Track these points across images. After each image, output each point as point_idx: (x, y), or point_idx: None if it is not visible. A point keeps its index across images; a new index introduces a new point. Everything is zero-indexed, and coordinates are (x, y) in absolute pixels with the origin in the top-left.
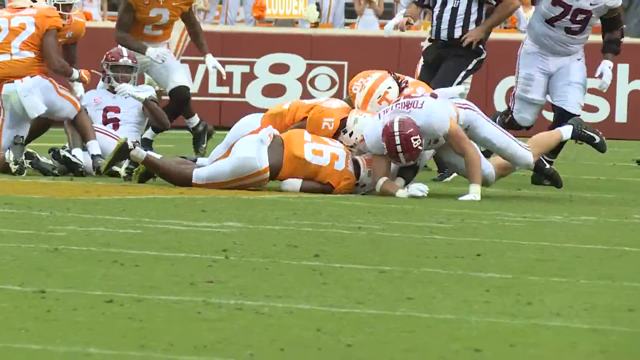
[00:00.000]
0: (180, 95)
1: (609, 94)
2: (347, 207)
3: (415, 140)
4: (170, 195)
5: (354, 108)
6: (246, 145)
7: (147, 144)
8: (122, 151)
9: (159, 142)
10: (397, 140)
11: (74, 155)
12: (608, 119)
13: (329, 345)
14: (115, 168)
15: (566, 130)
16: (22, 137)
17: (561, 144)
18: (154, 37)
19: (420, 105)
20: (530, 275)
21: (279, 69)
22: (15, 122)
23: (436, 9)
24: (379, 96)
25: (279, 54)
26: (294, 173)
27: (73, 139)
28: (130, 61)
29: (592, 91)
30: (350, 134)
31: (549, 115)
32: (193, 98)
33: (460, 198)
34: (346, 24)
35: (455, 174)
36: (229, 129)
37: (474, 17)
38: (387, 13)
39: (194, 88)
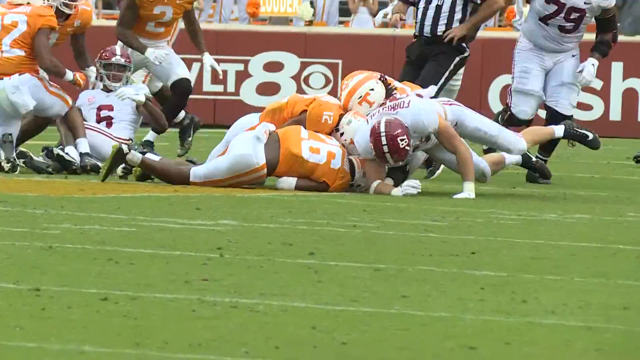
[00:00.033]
0: (182, 88)
1: (603, 92)
2: (342, 205)
3: (402, 140)
4: (165, 194)
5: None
6: (242, 143)
7: (148, 145)
8: (118, 157)
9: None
10: (384, 140)
11: (67, 154)
12: (602, 117)
13: (324, 343)
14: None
15: (558, 129)
16: (10, 134)
17: (554, 142)
18: (157, 34)
19: (407, 104)
20: (524, 273)
21: (274, 67)
22: (4, 120)
23: (421, 6)
24: (360, 97)
25: (273, 52)
26: (290, 170)
27: (66, 138)
28: (122, 60)
29: (587, 89)
30: (342, 134)
31: (542, 114)
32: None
33: (455, 196)
34: (340, 22)
35: (443, 166)
36: (223, 127)
37: (458, 15)
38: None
39: None
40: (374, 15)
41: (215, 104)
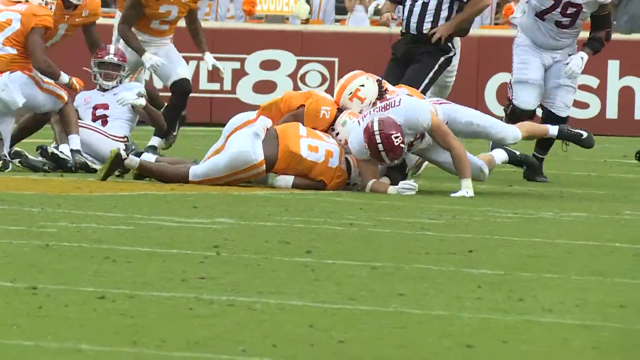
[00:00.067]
0: (182, 88)
1: (600, 91)
2: (339, 203)
3: (396, 138)
4: (161, 192)
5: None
6: (240, 139)
7: (152, 150)
8: (116, 162)
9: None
10: (378, 139)
11: (61, 152)
12: (599, 115)
13: (321, 341)
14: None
15: (553, 128)
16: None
17: (550, 141)
18: (162, 32)
19: (398, 103)
20: (522, 271)
21: (270, 65)
22: None
23: (407, 3)
24: (350, 92)
25: (269, 51)
26: (289, 168)
27: (60, 137)
28: (115, 59)
29: (583, 88)
30: (337, 134)
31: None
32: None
33: (452, 195)
34: (337, 21)
35: (426, 163)
36: (219, 125)
37: (444, 13)
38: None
39: None
40: None
41: (211, 102)
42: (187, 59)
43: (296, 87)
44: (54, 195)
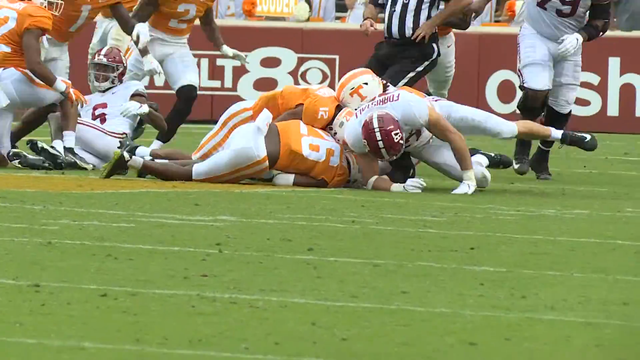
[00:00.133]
0: (189, 94)
1: (601, 88)
2: (341, 200)
3: (396, 134)
4: (163, 189)
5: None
6: (243, 135)
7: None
8: (120, 163)
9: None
10: (378, 136)
11: (52, 147)
12: (600, 112)
13: (323, 339)
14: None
15: (557, 132)
16: None
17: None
18: (180, 31)
19: (396, 98)
20: (524, 268)
21: (270, 62)
22: None
23: (387, 6)
24: (352, 88)
25: (270, 48)
26: (290, 166)
27: (55, 134)
28: (105, 59)
29: (584, 85)
30: (335, 134)
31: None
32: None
33: (454, 191)
34: (337, 18)
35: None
36: None
37: (424, 14)
38: None
39: None
40: None
41: (212, 99)
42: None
43: (297, 85)
44: (55, 192)
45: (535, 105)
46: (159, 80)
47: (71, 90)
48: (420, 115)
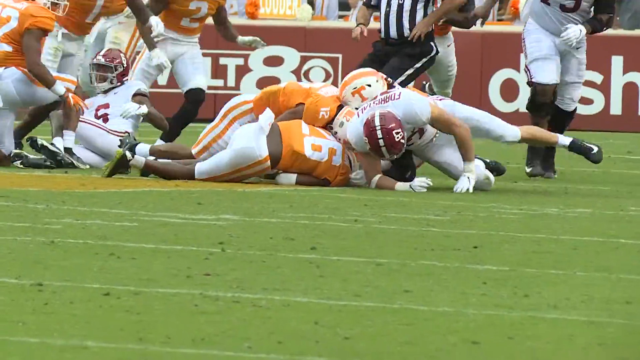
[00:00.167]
0: (197, 97)
1: (604, 87)
2: (344, 199)
3: (397, 134)
4: (166, 188)
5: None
6: (245, 135)
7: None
8: (122, 162)
9: (152, 135)
10: (379, 134)
11: (51, 144)
12: (603, 111)
13: (326, 338)
14: None
15: (565, 139)
16: None
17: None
18: (192, 30)
19: (397, 96)
20: (526, 267)
21: (273, 61)
22: None
23: (383, 7)
24: (355, 87)
25: (273, 47)
26: (293, 166)
27: (56, 131)
28: (103, 60)
29: (587, 84)
30: (335, 133)
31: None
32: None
33: (455, 187)
34: (340, 17)
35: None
36: None
37: (420, 14)
38: None
39: None
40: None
41: (215, 98)
42: None
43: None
44: (58, 191)
45: (544, 99)
46: (162, 79)
47: (70, 95)
48: (422, 113)
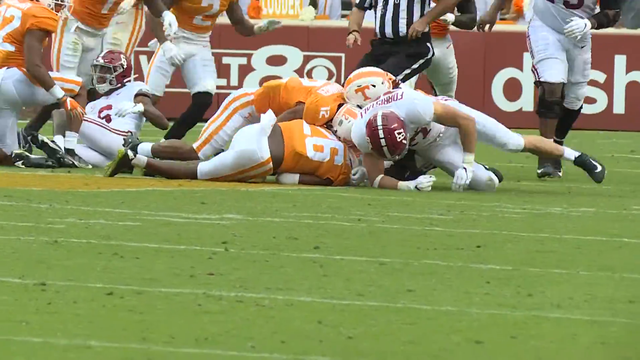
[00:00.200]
0: (204, 101)
1: (607, 86)
2: (347, 199)
3: (399, 134)
4: (169, 188)
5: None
6: (247, 137)
7: None
8: (124, 162)
9: (154, 134)
10: (381, 134)
11: (52, 141)
12: (606, 110)
13: (330, 337)
14: None
15: (571, 152)
16: None
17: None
18: (205, 28)
19: (400, 96)
20: (530, 266)
21: (276, 60)
22: None
23: (379, 8)
24: (359, 85)
25: (276, 46)
26: (295, 168)
27: (58, 128)
28: (102, 61)
29: (590, 83)
30: (335, 131)
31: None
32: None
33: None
34: (343, 16)
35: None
36: None
37: (417, 13)
38: None
39: None
40: None
41: (218, 97)
42: None
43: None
44: (62, 191)
45: (553, 98)
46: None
47: (68, 99)
48: (424, 112)
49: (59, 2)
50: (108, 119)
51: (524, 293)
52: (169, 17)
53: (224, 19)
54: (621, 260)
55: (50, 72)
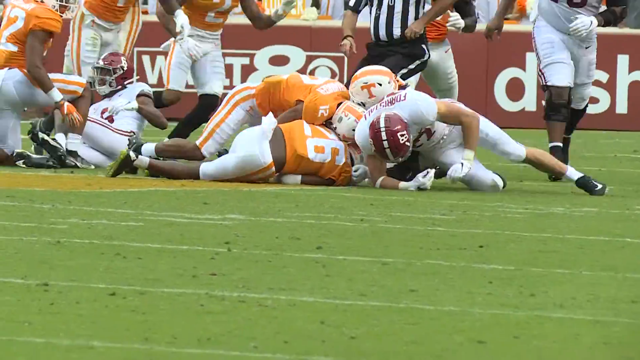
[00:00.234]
0: (210, 102)
1: (609, 85)
2: (349, 199)
3: (402, 136)
4: (172, 188)
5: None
6: (248, 141)
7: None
8: (126, 162)
9: (154, 134)
10: (384, 136)
11: (53, 139)
12: (609, 110)
13: (332, 337)
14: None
15: (574, 173)
16: None
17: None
18: (217, 25)
19: (403, 97)
20: (532, 266)
21: (279, 60)
22: None
23: (373, 11)
24: (365, 82)
25: (278, 46)
26: (297, 170)
27: (59, 126)
28: (102, 63)
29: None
30: (334, 128)
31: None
32: (194, 90)
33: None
34: None
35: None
36: None
37: (411, 15)
38: None
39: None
40: None
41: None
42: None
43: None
44: (64, 191)
45: (560, 100)
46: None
47: (65, 104)
48: (428, 113)
49: (64, 3)
50: (110, 119)
51: (527, 293)
52: (181, 20)
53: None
54: (624, 260)
55: (52, 74)
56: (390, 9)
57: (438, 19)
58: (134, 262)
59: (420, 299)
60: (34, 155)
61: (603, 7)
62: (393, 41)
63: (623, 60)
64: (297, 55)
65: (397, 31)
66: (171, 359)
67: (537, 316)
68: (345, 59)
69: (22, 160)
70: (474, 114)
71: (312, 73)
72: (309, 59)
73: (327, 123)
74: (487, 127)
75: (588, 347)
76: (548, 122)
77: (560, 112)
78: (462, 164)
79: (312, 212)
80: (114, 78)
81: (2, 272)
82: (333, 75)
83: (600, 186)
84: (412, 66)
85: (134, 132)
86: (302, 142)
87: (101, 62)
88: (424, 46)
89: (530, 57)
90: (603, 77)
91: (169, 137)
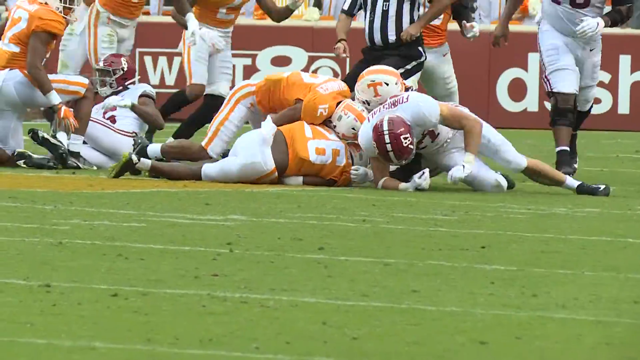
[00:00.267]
0: (215, 103)
1: (612, 86)
2: (351, 199)
3: (405, 139)
4: (174, 189)
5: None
6: (250, 147)
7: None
8: (128, 166)
9: (159, 135)
10: (387, 139)
11: (54, 137)
12: (611, 110)
13: (334, 338)
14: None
15: (572, 182)
16: None
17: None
18: (229, 22)
19: (406, 99)
20: (534, 267)
21: (281, 61)
22: None
23: (367, 15)
24: (373, 80)
25: (280, 47)
26: (299, 172)
27: (59, 124)
28: (102, 64)
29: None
30: (334, 127)
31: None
32: None
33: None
34: None
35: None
36: None
37: (406, 18)
38: None
39: None
40: None
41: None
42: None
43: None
44: (66, 192)
45: (567, 106)
46: (170, 79)
47: (62, 108)
48: (430, 114)
49: (68, 5)
50: (113, 119)
51: (529, 293)
52: (192, 26)
53: None
54: (626, 261)
55: (54, 75)
56: (384, 13)
57: (437, 23)
58: (136, 263)
59: (422, 299)
60: (35, 155)
61: (606, 8)
62: (389, 45)
63: (625, 61)
64: (299, 55)
65: (392, 36)
66: None
67: (539, 317)
68: (347, 60)
69: (23, 160)
70: (476, 119)
71: (314, 73)
72: (311, 60)
73: (327, 122)
74: (489, 133)
75: (590, 348)
76: (554, 127)
77: (567, 116)
78: (463, 166)
79: (314, 212)
80: (115, 79)
81: (4, 273)
82: (335, 76)
83: (602, 186)
84: (409, 66)
85: (136, 133)
86: (303, 145)
87: (101, 64)
88: (420, 48)
89: (532, 57)
90: (605, 77)
91: (173, 137)
